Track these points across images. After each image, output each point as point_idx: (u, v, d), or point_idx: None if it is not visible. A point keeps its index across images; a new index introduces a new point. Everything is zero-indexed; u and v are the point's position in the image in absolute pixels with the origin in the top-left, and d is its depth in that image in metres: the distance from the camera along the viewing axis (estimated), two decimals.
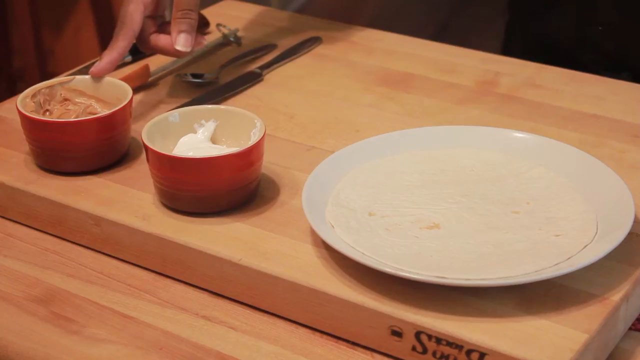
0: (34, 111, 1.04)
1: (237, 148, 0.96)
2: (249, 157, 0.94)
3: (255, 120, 0.99)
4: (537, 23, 1.36)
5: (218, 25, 1.32)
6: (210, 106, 1.02)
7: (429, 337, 0.81)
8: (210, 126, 1.00)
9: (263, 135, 0.96)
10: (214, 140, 1.00)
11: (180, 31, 1.08)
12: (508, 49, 1.41)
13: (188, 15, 1.08)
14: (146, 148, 0.95)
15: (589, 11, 1.30)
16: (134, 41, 1.09)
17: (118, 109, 1.02)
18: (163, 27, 1.12)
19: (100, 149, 1.02)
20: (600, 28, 1.29)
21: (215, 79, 1.21)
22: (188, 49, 1.08)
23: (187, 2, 1.08)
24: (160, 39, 1.09)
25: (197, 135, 1.00)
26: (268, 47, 1.29)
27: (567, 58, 1.28)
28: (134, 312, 0.90)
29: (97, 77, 1.06)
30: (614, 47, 1.30)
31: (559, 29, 1.33)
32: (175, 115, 1.01)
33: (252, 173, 0.95)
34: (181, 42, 1.08)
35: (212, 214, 0.94)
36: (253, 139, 0.97)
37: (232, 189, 0.94)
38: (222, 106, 1.04)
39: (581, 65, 1.23)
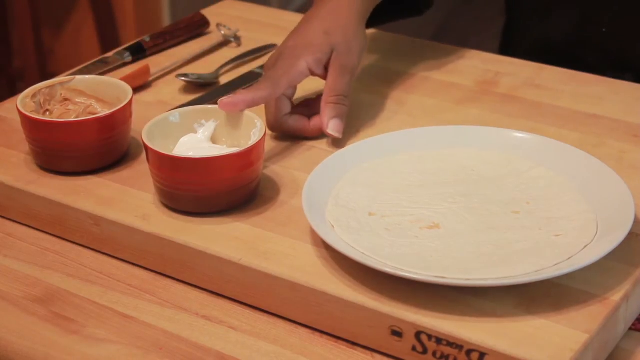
0: (34, 111, 1.04)
1: (237, 148, 0.96)
2: (249, 157, 0.94)
3: (255, 120, 0.99)
4: (537, 23, 1.36)
5: (218, 25, 1.32)
6: (210, 106, 1.02)
7: (429, 337, 0.81)
8: (210, 126, 1.00)
9: (263, 135, 0.96)
10: (214, 140, 1.00)
11: (333, 116, 1.05)
12: (508, 49, 1.41)
13: (342, 102, 1.06)
14: (146, 148, 0.95)
15: (591, 12, 1.29)
16: (271, 100, 1.05)
17: (118, 109, 1.02)
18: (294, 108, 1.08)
19: (100, 149, 1.02)
20: (603, 30, 1.29)
21: (215, 79, 1.21)
22: (340, 136, 1.05)
23: (343, 88, 1.06)
24: (298, 120, 1.07)
25: (197, 135, 1.00)
26: (268, 47, 1.29)
27: (567, 58, 1.28)
28: (134, 312, 0.90)
29: (226, 109, 1.00)
30: (617, 48, 1.30)
31: (560, 30, 1.33)
32: (175, 115, 1.01)
33: (252, 173, 0.95)
34: (335, 128, 1.05)
35: (212, 214, 0.94)
36: (253, 139, 0.97)
37: (232, 189, 0.94)
38: None
39: (582, 65, 1.23)
